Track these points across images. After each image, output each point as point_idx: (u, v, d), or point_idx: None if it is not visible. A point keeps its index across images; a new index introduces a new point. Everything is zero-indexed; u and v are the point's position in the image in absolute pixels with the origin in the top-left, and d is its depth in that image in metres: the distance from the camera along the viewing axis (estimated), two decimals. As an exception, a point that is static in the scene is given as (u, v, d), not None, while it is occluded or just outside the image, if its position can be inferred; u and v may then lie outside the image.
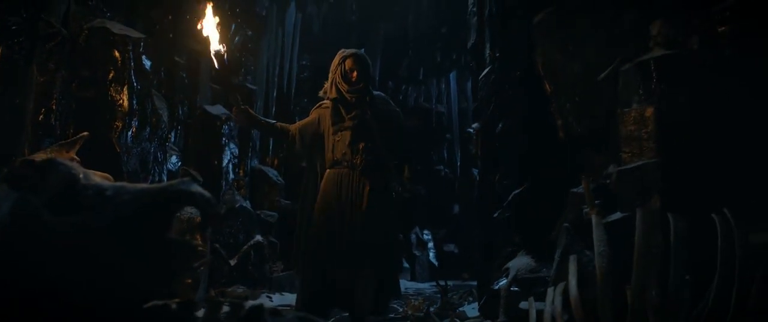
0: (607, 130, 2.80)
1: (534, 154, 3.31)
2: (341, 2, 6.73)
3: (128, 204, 1.16)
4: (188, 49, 4.79)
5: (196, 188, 1.21)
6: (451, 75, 8.23)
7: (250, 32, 5.79)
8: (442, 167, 8.08)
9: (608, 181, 2.64)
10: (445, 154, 8.24)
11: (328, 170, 3.03)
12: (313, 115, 3.16)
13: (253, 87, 5.78)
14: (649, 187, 2.43)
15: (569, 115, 3.09)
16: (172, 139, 4.87)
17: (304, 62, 7.02)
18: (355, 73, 2.98)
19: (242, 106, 3.06)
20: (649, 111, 2.51)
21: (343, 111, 3.00)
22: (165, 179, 4.30)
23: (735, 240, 1.76)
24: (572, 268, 2.13)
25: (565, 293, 2.09)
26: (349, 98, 3.00)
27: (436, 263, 7.18)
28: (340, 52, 3.09)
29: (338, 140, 2.98)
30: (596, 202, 2.61)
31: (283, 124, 3.22)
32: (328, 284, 2.85)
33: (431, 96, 8.13)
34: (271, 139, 6.16)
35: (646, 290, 1.86)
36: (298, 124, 3.22)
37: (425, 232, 7.44)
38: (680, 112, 2.45)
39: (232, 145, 5.47)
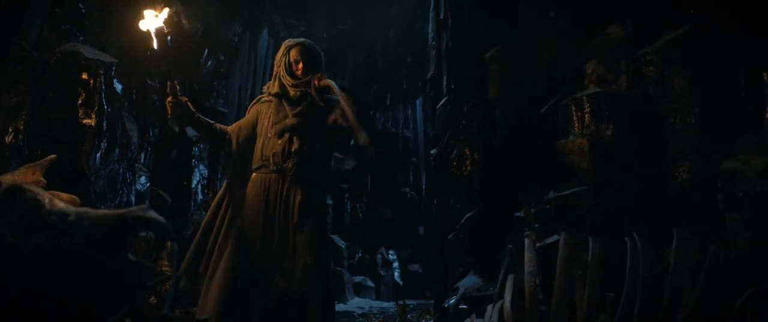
0: (548, 159, 3.04)
1: (486, 180, 3.52)
2: (312, 29, 6.97)
3: (89, 229, 1.30)
4: (160, 73, 4.91)
5: (153, 214, 1.35)
6: (417, 101, 8.54)
7: (222, 57, 5.94)
8: (408, 189, 8.34)
9: (548, 206, 2.87)
10: (411, 177, 8.51)
11: (254, 174, 2.60)
12: (251, 112, 2.72)
13: (224, 110, 5.91)
14: (582, 212, 2.67)
15: (516, 144, 3.33)
16: (142, 160, 4.93)
17: (275, 86, 7.16)
18: (300, 66, 2.60)
19: (181, 98, 2.52)
20: (583, 142, 2.77)
21: (286, 107, 2.59)
22: (133, 200, 4.37)
23: (640, 261, 1.97)
24: (508, 286, 2.32)
25: (502, 309, 2.28)
26: (292, 93, 2.59)
27: (400, 283, 7.33)
28: (285, 42, 2.70)
29: (271, 137, 2.56)
30: (536, 226, 2.83)
31: (222, 126, 2.73)
32: (247, 304, 2.46)
33: (398, 121, 8.41)
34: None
35: (565, 307, 2.06)
36: (235, 124, 2.73)
37: (390, 252, 7.61)
38: (608, 143, 2.71)
39: (201, 167, 5.57)
